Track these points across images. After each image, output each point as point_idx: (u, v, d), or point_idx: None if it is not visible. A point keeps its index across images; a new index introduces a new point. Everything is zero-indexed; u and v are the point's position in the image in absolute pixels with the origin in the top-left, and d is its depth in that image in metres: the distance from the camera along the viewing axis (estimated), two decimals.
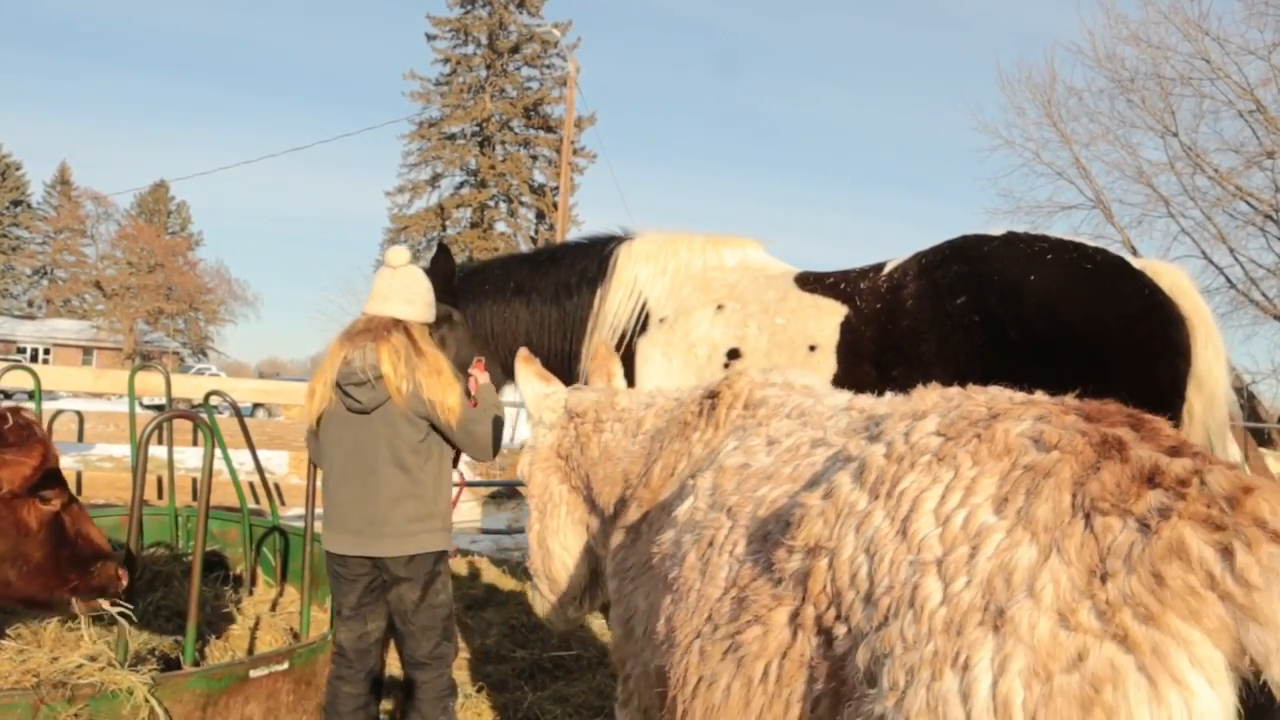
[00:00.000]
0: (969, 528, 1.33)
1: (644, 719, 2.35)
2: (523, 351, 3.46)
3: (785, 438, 2.05)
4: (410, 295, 3.82)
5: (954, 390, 1.76)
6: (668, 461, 2.46)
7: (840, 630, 1.46)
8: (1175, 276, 3.84)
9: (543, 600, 3.14)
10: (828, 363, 4.11)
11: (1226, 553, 1.17)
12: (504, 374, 5.14)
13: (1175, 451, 1.31)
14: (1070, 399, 1.58)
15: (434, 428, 3.71)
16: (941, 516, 1.37)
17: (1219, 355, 3.77)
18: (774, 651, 1.60)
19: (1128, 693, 1.15)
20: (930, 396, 1.74)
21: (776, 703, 1.58)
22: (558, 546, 2.96)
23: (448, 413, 3.63)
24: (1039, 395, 1.66)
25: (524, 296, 5.17)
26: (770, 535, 1.73)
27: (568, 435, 2.99)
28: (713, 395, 2.45)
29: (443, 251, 5.24)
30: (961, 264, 3.96)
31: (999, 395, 1.67)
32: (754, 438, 2.14)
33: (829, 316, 4.25)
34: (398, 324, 3.75)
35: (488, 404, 3.86)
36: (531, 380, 3.23)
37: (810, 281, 4.50)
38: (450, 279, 5.14)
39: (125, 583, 3.39)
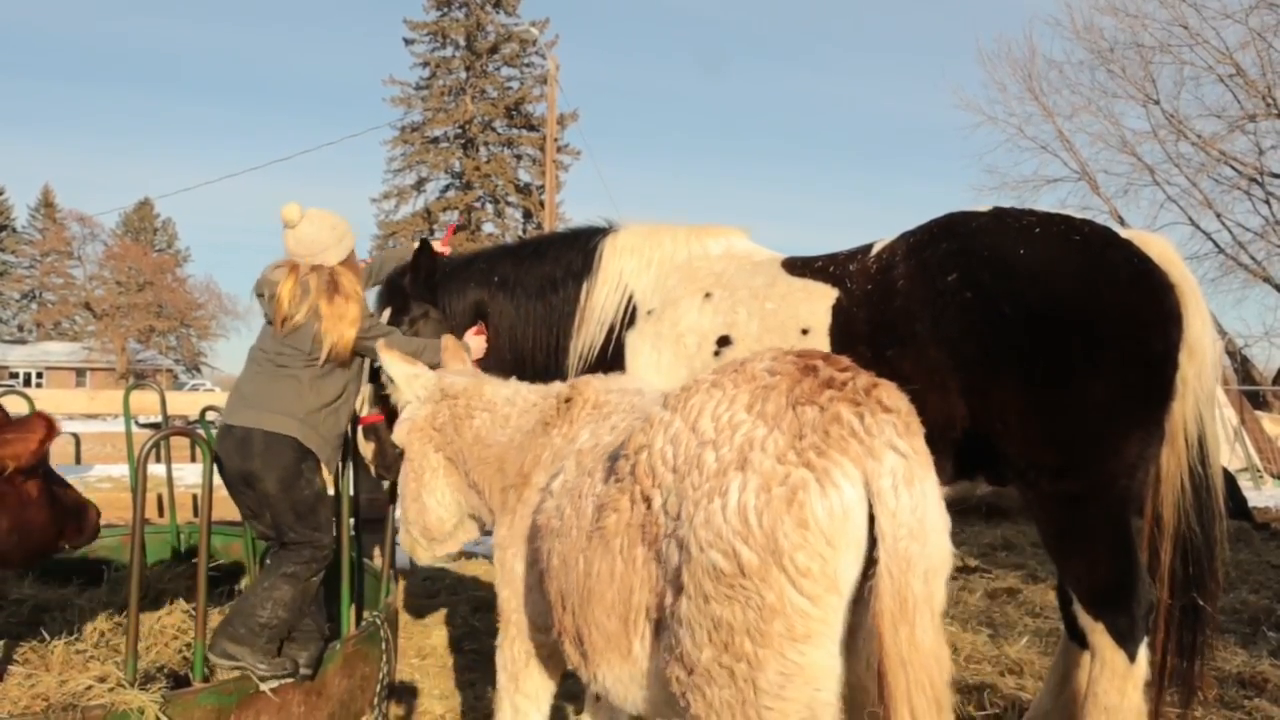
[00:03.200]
0: (731, 421, 2.14)
1: (526, 658, 3.17)
2: (382, 341, 3.97)
3: (621, 421, 2.86)
4: (315, 247, 4.14)
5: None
6: (535, 454, 3.15)
7: (655, 493, 2.26)
8: (1162, 246, 3.83)
9: (414, 542, 3.76)
10: (821, 346, 4.09)
11: (861, 417, 2.04)
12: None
13: (843, 369, 2.19)
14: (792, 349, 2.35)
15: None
16: (715, 417, 2.17)
17: (1207, 324, 3.78)
18: (623, 526, 2.35)
19: (810, 492, 1.98)
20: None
21: (629, 565, 2.33)
22: (433, 503, 3.59)
23: (338, 347, 4.04)
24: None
25: (507, 290, 5.11)
26: (613, 464, 2.49)
27: (442, 412, 3.56)
28: (568, 400, 3.17)
29: (423, 248, 5.22)
30: (950, 241, 3.94)
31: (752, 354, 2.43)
32: (600, 426, 2.93)
33: (820, 300, 4.24)
34: (318, 266, 4.13)
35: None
36: (398, 363, 3.76)
37: (798, 266, 4.47)
38: (431, 275, 5.11)
39: (100, 519, 3.85)
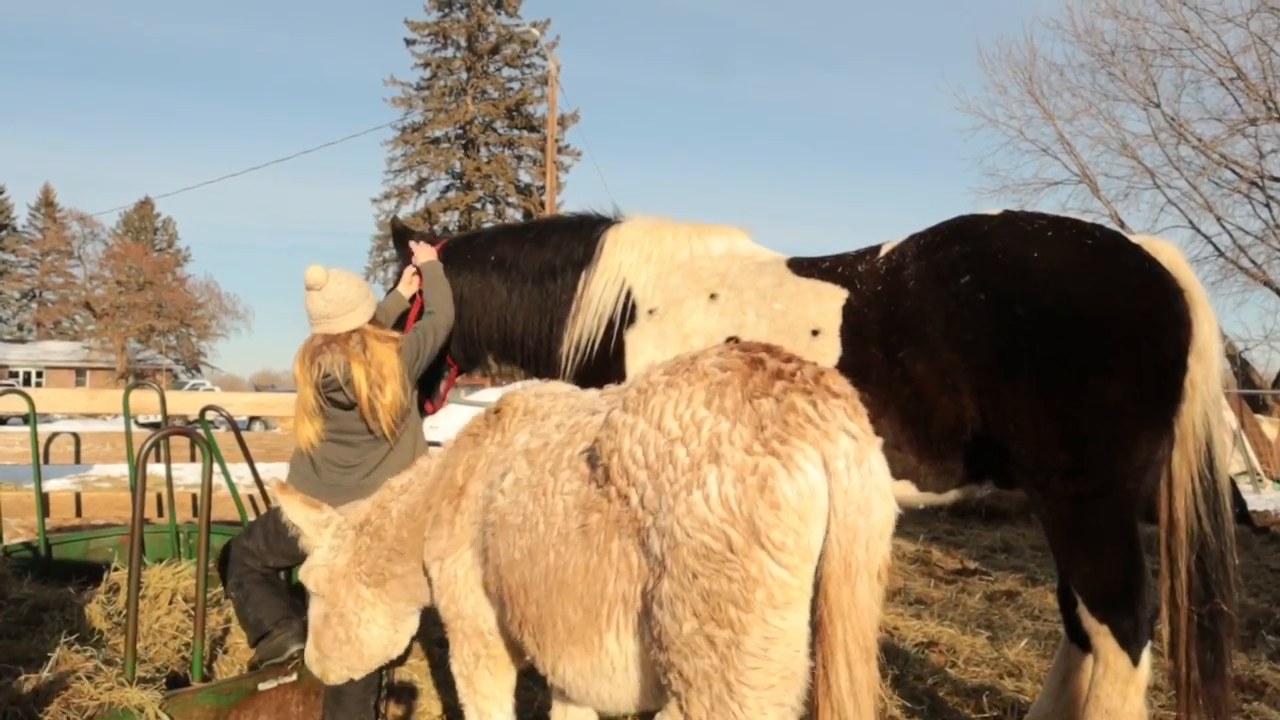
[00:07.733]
0: (694, 418, 2.32)
1: (475, 660, 3.23)
2: (277, 481, 3.66)
3: (567, 420, 2.96)
4: (346, 306, 4.09)
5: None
6: (468, 464, 3.20)
7: (631, 490, 2.42)
8: (1171, 252, 3.85)
9: (347, 673, 3.55)
10: (832, 347, 4.07)
11: (814, 404, 2.25)
12: (465, 350, 5.07)
13: (788, 360, 2.39)
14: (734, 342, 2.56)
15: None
16: (678, 416, 2.35)
17: (1214, 328, 3.79)
18: (603, 524, 2.49)
19: (779, 477, 2.18)
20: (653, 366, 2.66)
21: (604, 558, 2.47)
22: (372, 635, 3.47)
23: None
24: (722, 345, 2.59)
25: (503, 271, 5.03)
26: (587, 469, 2.62)
27: (361, 544, 3.45)
28: (497, 410, 3.26)
29: (397, 229, 5.25)
30: (963, 244, 3.93)
31: (698, 351, 2.60)
32: (543, 428, 3.02)
33: (830, 300, 4.21)
34: (353, 332, 4.08)
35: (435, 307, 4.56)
36: (300, 509, 3.53)
37: (805, 266, 4.44)
38: (406, 239, 5.17)
39: None
